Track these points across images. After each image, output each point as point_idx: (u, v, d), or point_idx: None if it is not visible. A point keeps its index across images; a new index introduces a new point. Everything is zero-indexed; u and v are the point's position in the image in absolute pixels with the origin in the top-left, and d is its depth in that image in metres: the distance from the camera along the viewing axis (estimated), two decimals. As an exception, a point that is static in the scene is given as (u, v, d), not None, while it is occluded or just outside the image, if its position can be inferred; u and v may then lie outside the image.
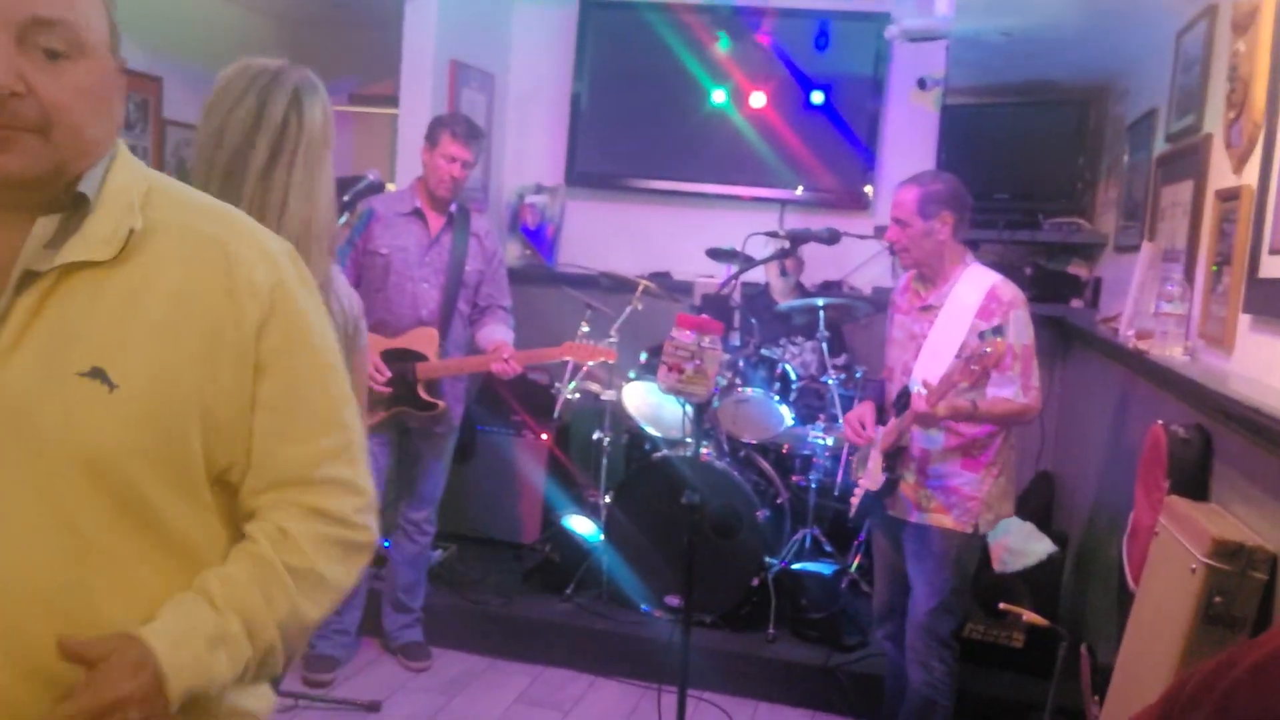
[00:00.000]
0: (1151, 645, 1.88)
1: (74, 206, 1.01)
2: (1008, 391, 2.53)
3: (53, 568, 0.96)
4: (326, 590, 1.08)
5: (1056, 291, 3.87)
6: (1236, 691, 0.90)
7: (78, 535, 0.96)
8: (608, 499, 3.73)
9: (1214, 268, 2.32)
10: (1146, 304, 2.72)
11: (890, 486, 2.67)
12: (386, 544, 3.59)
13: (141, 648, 0.94)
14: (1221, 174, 2.35)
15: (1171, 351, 2.40)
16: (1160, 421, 2.21)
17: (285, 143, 1.57)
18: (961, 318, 2.57)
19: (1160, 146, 2.99)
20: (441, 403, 3.30)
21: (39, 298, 0.98)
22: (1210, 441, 2.08)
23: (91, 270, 0.99)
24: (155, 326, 1.00)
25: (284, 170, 1.57)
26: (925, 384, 2.49)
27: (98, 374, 0.97)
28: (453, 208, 3.33)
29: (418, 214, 3.29)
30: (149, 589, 1.00)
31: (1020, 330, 2.55)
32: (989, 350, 2.32)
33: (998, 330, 2.40)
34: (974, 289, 2.60)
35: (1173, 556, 1.87)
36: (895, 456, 2.66)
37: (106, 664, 0.92)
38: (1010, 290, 2.60)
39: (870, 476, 2.73)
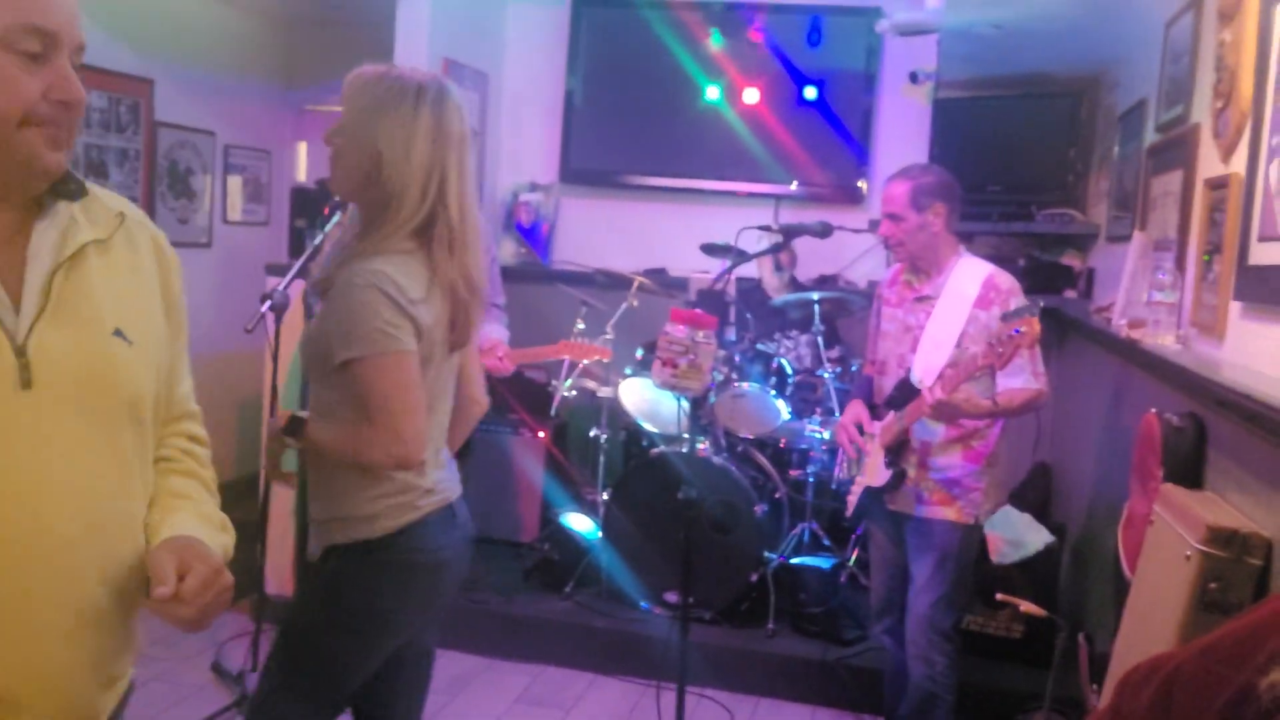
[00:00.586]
0: (1148, 633, 1.88)
1: (73, 195, 1.17)
2: (1019, 380, 2.53)
3: (111, 494, 1.18)
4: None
5: (1050, 282, 3.87)
6: (1181, 670, 0.91)
7: (124, 466, 1.19)
8: (605, 496, 3.73)
9: (1205, 256, 2.33)
10: (1139, 293, 2.72)
11: (896, 480, 2.66)
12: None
13: (198, 541, 1.21)
14: (1210, 163, 2.36)
15: (1164, 340, 2.41)
16: (1154, 410, 2.22)
17: (464, 151, 1.73)
18: (959, 308, 2.58)
19: (1150, 137, 3.00)
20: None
21: (65, 271, 1.14)
22: (1204, 429, 2.09)
23: (96, 246, 1.17)
24: (139, 290, 1.22)
25: (468, 174, 1.74)
26: (944, 372, 2.48)
27: (119, 334, 1.17)
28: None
29: (411, 214, 3.29)
30: (146, 500, 1.25)
31: None
32: (1023, 330, 2.29)
33: (1018, 313, 2.34)
34: (969, 279, 2.61)
35: (1168, 544, 1.87)
36: (898, 451, 2.66)
37: (191, 555, 1.16)
38: (1007, 279, 2.61)
39: (872, 473, 2.72)
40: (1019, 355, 2.50)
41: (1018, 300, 2.56)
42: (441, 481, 1.80)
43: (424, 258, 1.69)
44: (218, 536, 1.27)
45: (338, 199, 3.08)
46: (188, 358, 1.35)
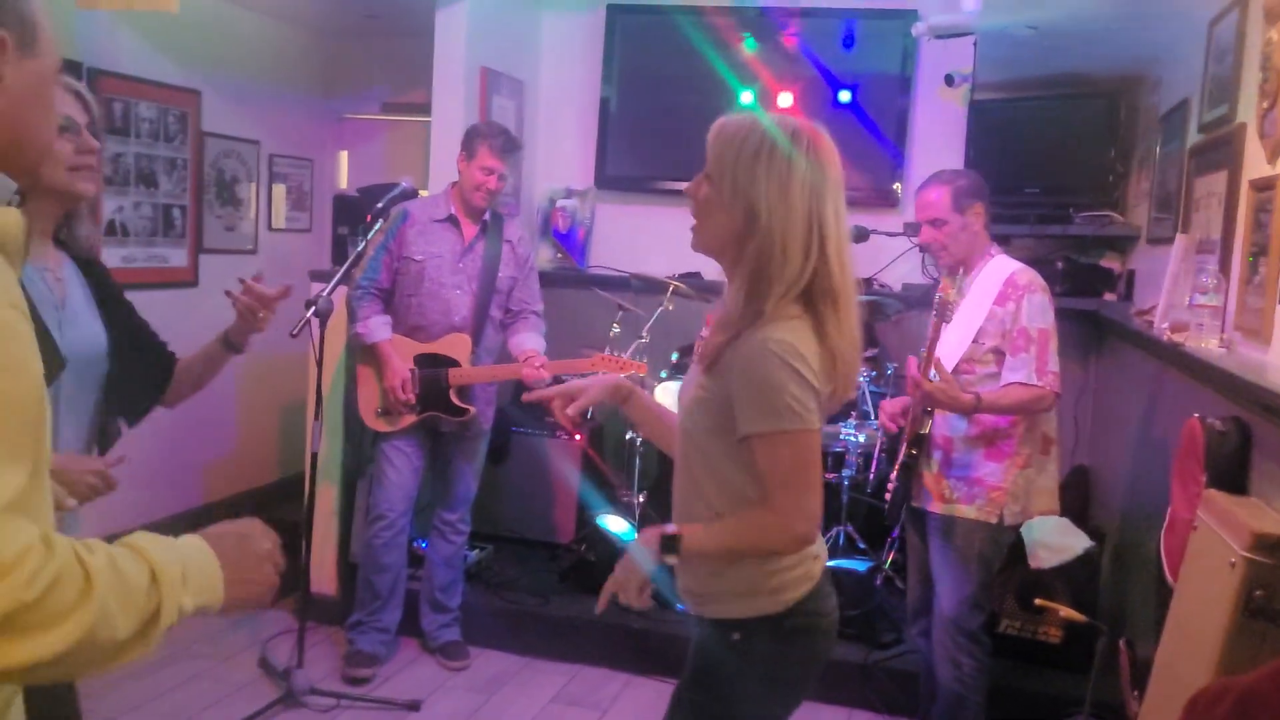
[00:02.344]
0: (1191, 640, 1.87)
1: None
2: (1019, 375, 2.54)
3: None
4: None
5: (1089, 285, 3.84)
6: (1256, 690, 0.90)
7: None
8: (641, 498, 3.75)
9: (1249, 258, 2.30)
10: (1181, 296, 2.70)
11: (906, 471, 2.68)
12: (423, 545, 3.65)
13: None
14: (1256, 164, 2.34)
15: (1207, 344, 2.39)
16: (1196, 415, 2.20)
17: (840, 198, 1.60)
18: (980, 304, 2.60)
19: (1193, 137, 2.97)
20: (472, 408, 3.34)
21: None
22: (1249, 434, 2.07)
23: None
24: None
25: (844, 222, 1.61)
26: (935, 363, 2.54)
27: None
28: (486, 215, 3.37)
29: (452, 221, 3.33)
30: None
31: (1034, 314, 2.56)
32: (941, 296, 2.54)
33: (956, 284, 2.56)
34: (994, 277, 2.63)
35: (1211, 550, 1.86)
36: (918, 444, 2.67)
37: None
38: (1027, 275, 2.62)
39: (899, 467, 2.75)
40: (1022, 350, 2.51)
41: (1034, 296, 2.56)
42: (822, 546, 1.75)
43: (811, 322, 1.57)
44: None
45: (381, 205, 3.15)
46: None
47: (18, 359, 0.93)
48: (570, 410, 1.83)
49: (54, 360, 1.68)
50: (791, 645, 1.68)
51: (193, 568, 1.06)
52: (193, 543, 1.11)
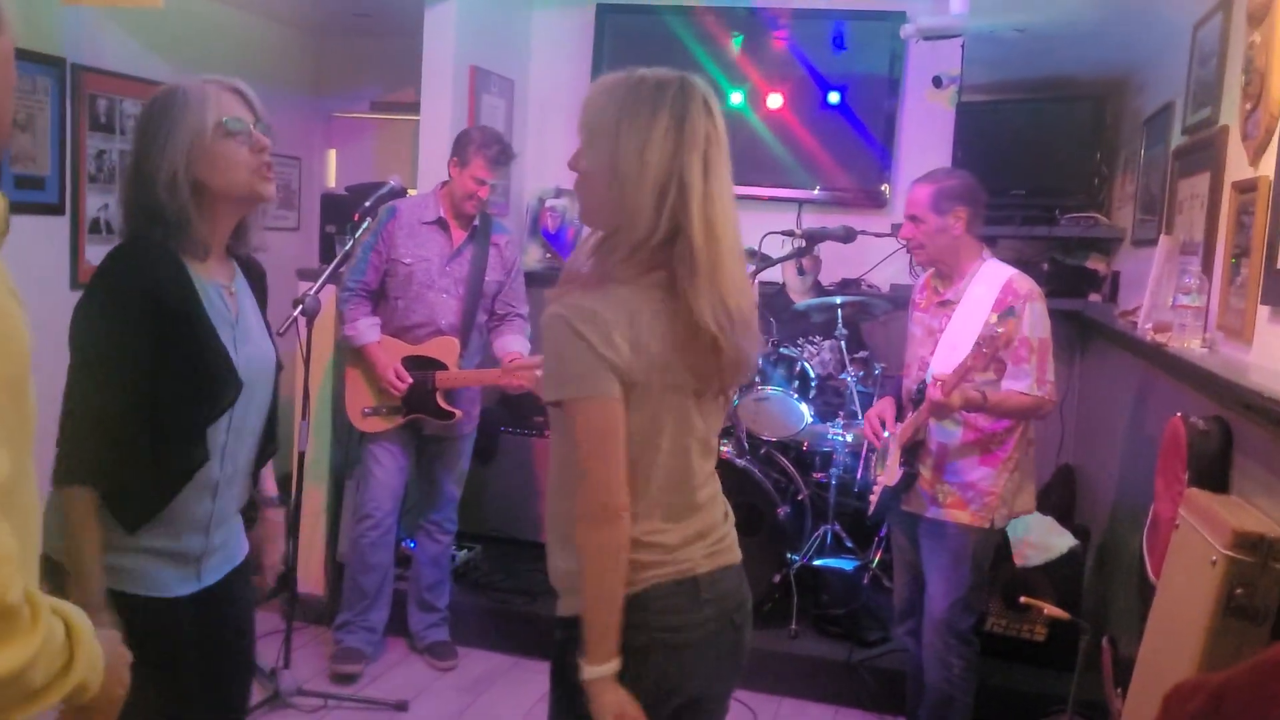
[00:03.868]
0: (1173, 638, 1.88)
1: None
2: (1022, 384, 2.55)
3: None
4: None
5: (1074, 286, 3.86)
6: (1232, 683, 0.92)
7: None
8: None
9: (1232, 260, 2.32)
10: (1165, 297, 2.72)
11: (907, 481, 2.68)
12: (411, 544, 3.64)
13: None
14: (1239, 166, 2.36)
15: (1190, 344, 2.40)
16: (1179, 414, 2.22)
17: (711, 154, 1.47)
18: (977, 312, 2.59)
19: (1177, 139, 2.99)
20: (459, 411, 3.34)
21: None
22: (1230, 433, 2.09)
23: None
24: None
25: (716, 182, 1.47)
26: (937, 376, 2.52)
27: None
28: (475, 219, 3.36)
29: (440, 224, 3.33)
30: None
31: (1035, 323, 2.57)
32: (1000, 330, 2.36)
33: (1009, 312, 2.42)
34: (990, 283, 2.62)
35: (1193, 549, 1.87)
36: (913, 451, 2.67)
37: None
38: (1026, 283, 2.62)
39: (888, 472, 2.75)
40: (1024, 360, 2.52)
41: (1034, 304, 2.57)
42: (690, 550, 1.54)
43: (664, 289, 1.46)
44: None
45: (369, 204, 3.14)
46: None
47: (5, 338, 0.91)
48: None
49: (231, 382, 1.62)
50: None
51: (93, 641, 1.03)
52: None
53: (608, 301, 1.45)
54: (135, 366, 1.54)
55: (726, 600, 1.58)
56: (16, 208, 3.50)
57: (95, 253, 4.08)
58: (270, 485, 1.92)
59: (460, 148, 3.27)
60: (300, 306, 2.96)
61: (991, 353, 2.40)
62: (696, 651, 1.53)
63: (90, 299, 1.57)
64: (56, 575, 1.57)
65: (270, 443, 1.84)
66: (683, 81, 1.49)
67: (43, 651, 0.91)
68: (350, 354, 3.38)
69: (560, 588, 1.58)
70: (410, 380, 3.27)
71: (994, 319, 2.41)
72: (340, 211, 4.79)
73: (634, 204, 1.44)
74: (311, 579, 3.77)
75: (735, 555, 1.64)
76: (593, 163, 1.50)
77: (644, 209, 1.44)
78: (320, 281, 3.03)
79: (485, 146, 3.23)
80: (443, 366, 3.29)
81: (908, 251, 2.92)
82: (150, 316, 1.54)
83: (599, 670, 1.46)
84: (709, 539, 1.58)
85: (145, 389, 1.54)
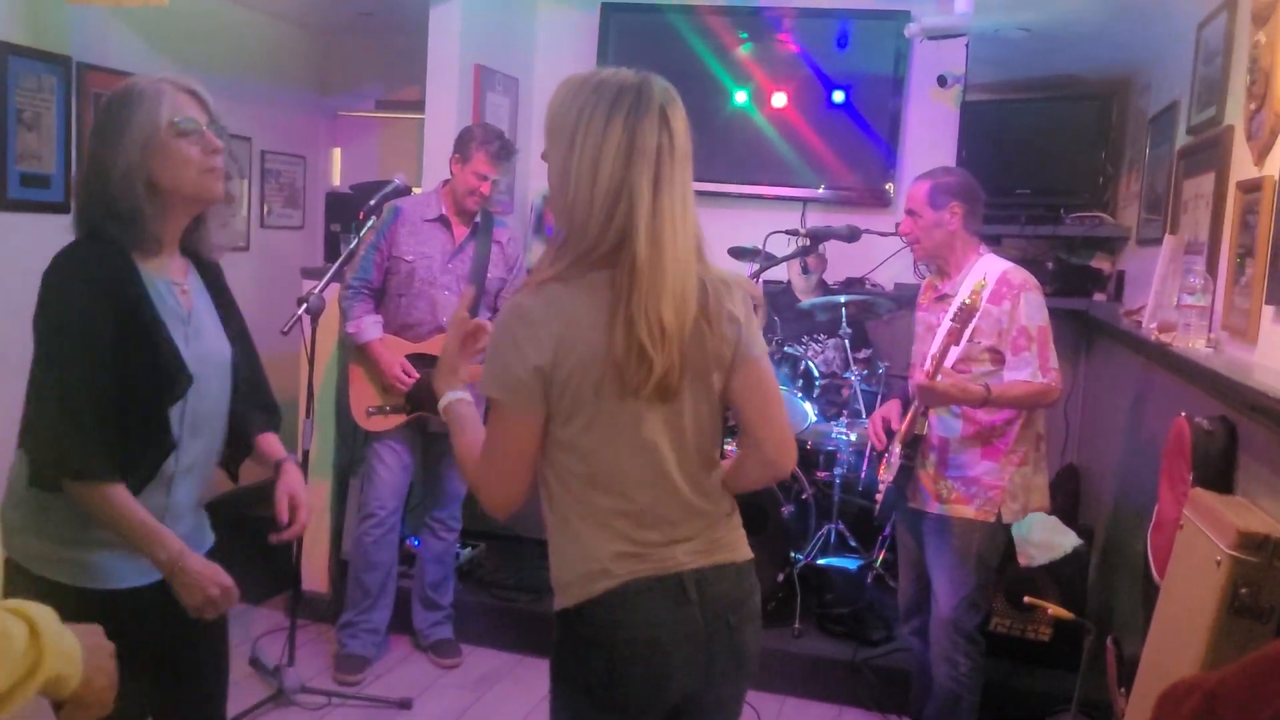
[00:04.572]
0: (1177, 638, 1.88)
1: None
2: (1024, 373, 2.55)
3: None
4: None
5: (1079, 285, 3.86)
6: (1225, 684, 0.92)
7: None
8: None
9: (1237, 260, 2.32)
10: (1169, 297, 2.72)
11: (904, 473, 2.69)
12: (415, 542, 3.65)
13: None
14: (1243, 166, 2.35)
15: (1195, 344, 2.40)
16: (1184, 414, 2.22)
17: (663, 167, 1.48)
18: (979, 306, 2.60)
19: (1182, 139, 2.99)
20: (461, 409, 3.34)
21: None
22: (1235, 433, 2.09)
23: None
24: None
25: (666, 195, 1.48)
26: (932, 357, 2.55)
27: None
28: (477, 216, 3.37)
29: (443, 221, 3.33)
30: None
31: (1032, 312, 2.58)
32: (968, 301, 2.43)
33: (981, 286, 2.49)
34: (985, 277, 2.64)
35: (1198, 549, 1.87)
36: (913, 445, 2.68)
37: None
38: (1020, 274, 2.64)
39: (890, 468, 2.76)
40: (1024, 349, 2.53)
41: (1029, 294, 2.58)
42: (654, 550, 1.54)
43: (609, 292, 1.47)
44: None
45: (373, 202, 3.15)
46: None
47: None
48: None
49: (180, 377, 1.64)
50: (588, 653, 1.53)
51: (63, 634, 1.05)
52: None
53: (546, 299, 1.48)
54: (97, 357, 1.57)
55: (719, 600, 1.57)
56: (22, 205, 3.51)
57: (101, 251, 4.09)
58: (277, 448, 1.93)
59: (462, 144, 3.27)
60: (304, 305, 2.96)
61: (963, 324, 2.46)
62: (682, 651, 1.53)
63: (44, 299, 1.60)
64: (18, 577, 1.59)
65: (272, 415, 1.91)
66: (640, 88, 1.49)
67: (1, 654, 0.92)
68: (354, 352, 3.39)
69: (555, 584, 1.60)
70: (416, 375, 3.28)
71: (967, 295, 2.46)
72: (345, 210, 4.80)
73: (584, 213, 1.46)
74: (315, 576, 3.78)
75: (735, 554, 1.62)
76: (551, 163, 1.52)
77: (594, 219, 1.46)
78: (325, 280, 3.04)
79: (486, 142, 3.23)
80: (446, 365, 3.30)
81: (907, 247, 2.93)
82: (101, 309, 1.57)
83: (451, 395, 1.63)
84: (700, 539, 1.57)
85: (106, 380, 1.57)
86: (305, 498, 1.89)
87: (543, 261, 1.54)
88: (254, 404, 1.86)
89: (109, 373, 1.57)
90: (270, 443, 1.91)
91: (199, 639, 1.79)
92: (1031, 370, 2.55)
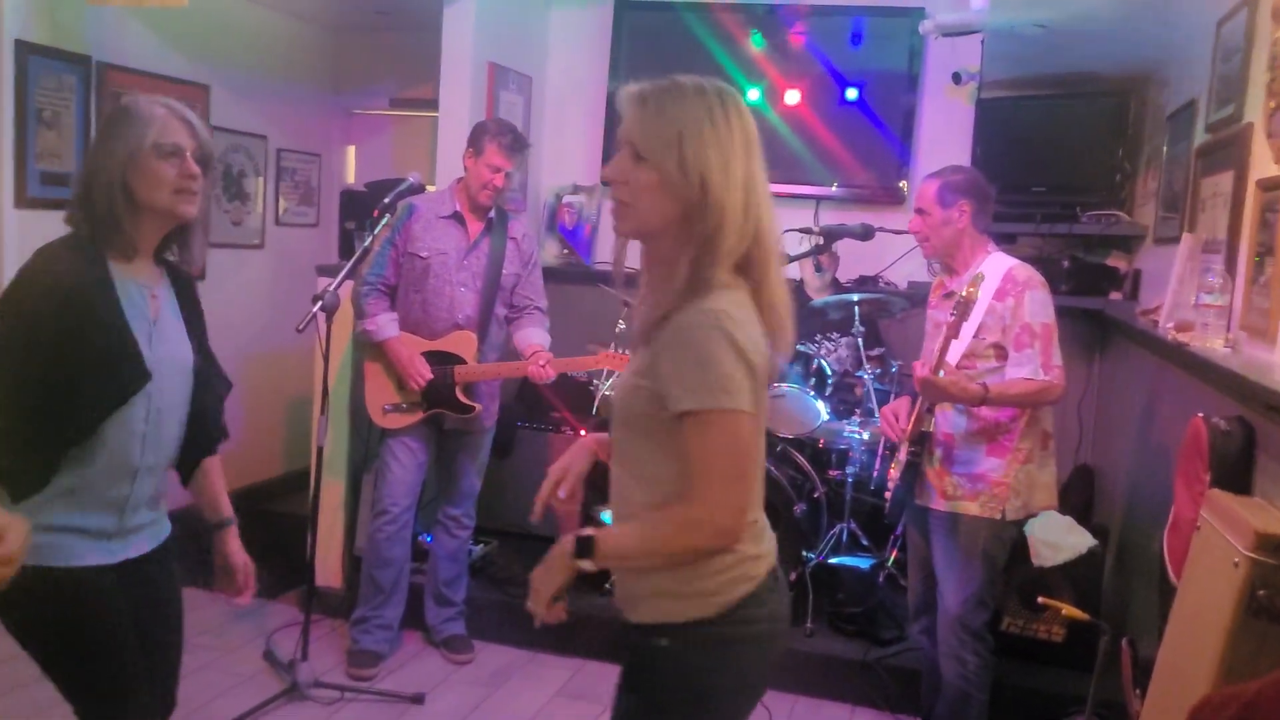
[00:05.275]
0: (1193, 639, 1.87)
1: None
2: (1026, 370, 2.55)
3: None
4: None
5: (1095, 284, 3.84)
6: (1263, 696, 0.91)
7: None
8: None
9: (1255, 258, 2.30)
10: (1187, 296, 2.70)
11: (912, 470, 2.68)
12: (428, 539, 3.66)
13: None
14: (1263, 164, 2.34)
15: (1212, 343, 2.39)
16: (1200, 414, 2.20)
17: (759, 155, 1.52)
18: (980, 300, 2.60)
19: (1200, 137, 2.97)
20: (478, 405, 3.35)
21: None
22: (1253, 434, 2.07)
23: None
24: None
25: (764, 180, 1.52)
26: (933, 352, 2.56)
27: None
28: (491, 212, 3.37)
29: (457, 218, 3.34)
30: None
31: (1036, 309, 2.57)
32: (964, 294, 2.46)
33: (978, 278, 2.51)
34: (992, 274, 2.64)
35: (1215, 550, 1.86)
36: (920, 442, 2.68)
37: None
38: (1026, 271, 2.64)
39: (899, 466, 2.76)
40: (1026, 346, 2.53)
41: (1034, 291, 2.58)
42: (770, 544, 1.61)
43: (749, 289, 1.50)
44: None
45: (388, 200, 3.15)
46: None
47: None
48: (563, 493, 1.74)
49: (139, 373, 1.78)
50: (725, 654, 1.54)
51: None
52: None
53: (740, 305, 1.48)
54: (30, 357, 1.70)
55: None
56: (42, 204, 3.54)
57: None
58: (219, 490, 2.05)
59: (474, 138, 3.28)
60: (320, 303, 2.98)
61: (961, 317, 2.49)
62: (777, 637, 1.62)
63: (4, 296, 1.75)
64: None
65: (213, 431, 1.99)
66: (722, 86, 1.54)
67: None
68: (369, 350, 3.40)
69: (687, 593, 1.53)
70: (430, 375, 3.29)
71: (964, 289, 2.49)
72: (359, 208, 4.81)
73: (725, 213, 1.47)
74: (329, 572, 3.80)
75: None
76: (662, 174, 1.48)
77: (735, 217, 1.47)
78: (339, 278, 3.05)
79: (499, 134, 3.24)
80: (461, 361, 3.31)
81: (917, 243, 2.94)
82: (54, 309, 1.70)
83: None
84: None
85: (39, 376, 1.70)
86: (249, 566, 2.07)
87: (684, 270, 1.48)
88: (208, 420, 1.98)
89: (41, 386, 1.70)
90: (213, 477, 2.04)
91: (161, 616, 1.93)
92: (1033, 367, 2.54)
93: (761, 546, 1.57)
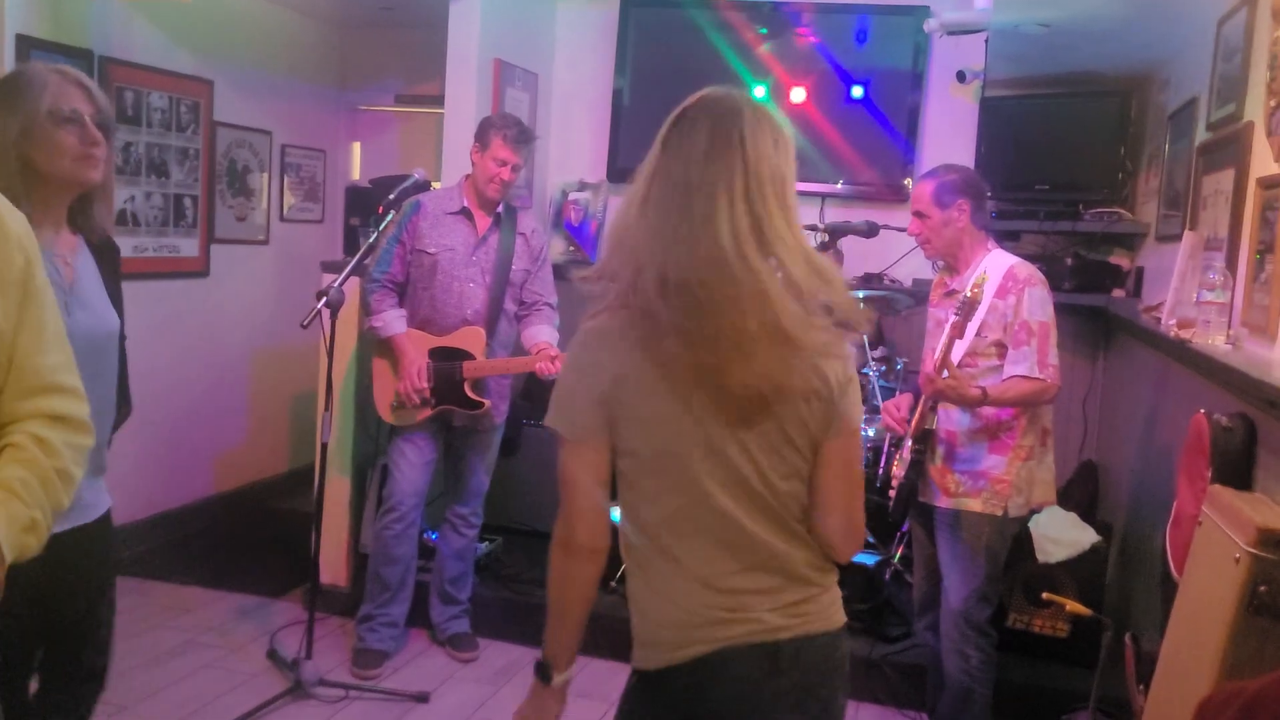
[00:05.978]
0: (1195, 635, 1.88)
1: None
2: (1021, 368, 2.57)
3: None
4: (73, 483, 1.41)
5: (1098, 281, 3.84)
6: (1265, 693, 0.92)
7: None
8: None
9: (1256, 256, 2.31)
10: (1188, 293, 2.70)
11: (916, 468, 2.70)
12: (434, 537, 3.67)
13: None
14: (1263, 162, 2.34)
15: (1214, 340, 2.39)
16: (1203, 410, 2.21)
17: (737, 180, 1.42)
18: (981, 300, 2.61)
19: (1201, 135, 2.97)
20: (487, 401, 3.36)
21: None
22: (1254, 430, 2.08)
23: None
24: None
25: (749, 209, 1.40)
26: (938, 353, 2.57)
27: None
28: (499, 207, 3.38)
29: (465, 214, 3.35)
30: None
31: (1034, 307, 2.59)
32: (969, 295, 2.47)
33: (982, 280, 2.52)
34: (993, 271, 2.65)
35: (1216, 546, 1.87)
36: (923, 440, 2.70)
37: None
38: (1026, 269, 2.65)
39: (903, 463, 2.77)
40: (1024, 344, 2.54)
41: (1033, 289, 2.59)
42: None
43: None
44: (18, 537, 1.31)
45: (393, 196, 3.16)
46: (50, 331, 1.39)
47: None
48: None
49: None
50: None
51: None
52: None
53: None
54: None
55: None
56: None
57: (121, 244, 4.12)
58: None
59: (480, 132, 3.29)
60: (324, 299, 2.99)
61: (965, 317, 2.50)
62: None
63: None
64: None
65: (124, 406, 1.97)
66: (731, 105, 1.58)
67: None
68: (377, 347, 3.40)
69: None
70: (429, 382, 3.28)
71: (969, 289, 2.50)
72: (365, 204, 4.83)
73: (668, 213, 1.48)
74: (334, 570, 3.81)
75: None
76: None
77: (670, 219, 1.48)
78: (344, 274, 3.06)
79: (504, 128, 3.24)
80: (470, 356, 3.31)
81: (918, 245, 2.95)
82: None
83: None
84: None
85: None
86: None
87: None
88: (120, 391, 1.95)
89: None
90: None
91: (79, 590, 1.89)
92: (1029, 365, 2.56)
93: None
